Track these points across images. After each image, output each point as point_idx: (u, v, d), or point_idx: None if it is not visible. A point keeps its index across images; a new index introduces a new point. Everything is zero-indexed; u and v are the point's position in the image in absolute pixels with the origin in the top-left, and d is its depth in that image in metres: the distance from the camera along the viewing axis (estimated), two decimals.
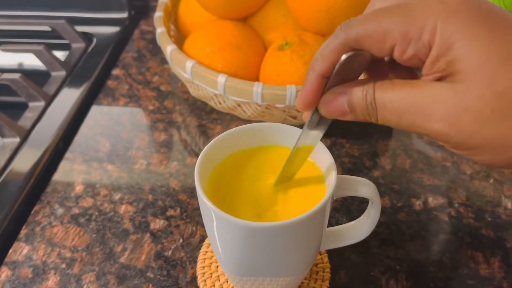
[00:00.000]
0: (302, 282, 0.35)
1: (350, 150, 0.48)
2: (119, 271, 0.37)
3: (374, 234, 0.33)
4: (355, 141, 0.48)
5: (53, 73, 0.57)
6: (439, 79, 0.21)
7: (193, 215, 0.41)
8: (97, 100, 0.54)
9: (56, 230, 0.40)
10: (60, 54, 0.61)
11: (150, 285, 0.36)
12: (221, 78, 0.44)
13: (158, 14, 0.53)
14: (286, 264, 0.30)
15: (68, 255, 0.38)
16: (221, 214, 0.26)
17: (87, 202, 0.42)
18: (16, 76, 0.51)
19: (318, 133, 0.27)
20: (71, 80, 0.56)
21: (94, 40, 0.63)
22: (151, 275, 0.37)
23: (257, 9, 0.51)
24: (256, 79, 0.49)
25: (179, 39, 0.56)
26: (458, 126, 0.20)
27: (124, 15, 0.67)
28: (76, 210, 0.42)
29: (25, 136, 0.48)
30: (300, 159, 0.29)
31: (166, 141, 0.49)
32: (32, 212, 0.41)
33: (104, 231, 0.40)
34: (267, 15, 0.50)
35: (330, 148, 0.30)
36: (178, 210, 0.42)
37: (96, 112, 0.53)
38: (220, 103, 0.47)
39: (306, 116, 0.27)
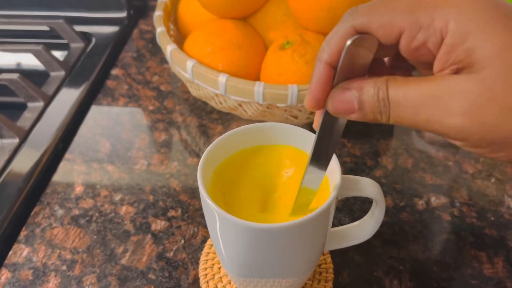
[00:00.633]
0: (306, 283, 0.35)
1: (351, 150, 0.47)
2: (120, 272, 0.37)
3: (377, 234, 0.33)
4: (357, 141, 0.48)
5: (52, 73, 0.56)
6: (456, 72, 0.20)
7: (194, 215, 0.41)
8: (97, 100, 0.54)
9: (56, 232, 0.40)
10: (59, 54, 0.61)
11: (152, 287, 0.36)
12: (222, 78, 0.43)
13: (158, 13, 0.52)
14: (290, 265, 0.29)
15: (69, 256, 0.38)
16: (225, 215, 0.26)
17: (88, 203, 0.42)
18: (15, 76, 0.50)
19: (320, 173, 0.26)
20: (70, 80, 0.56)
21: (93, 40, 0.63)
22: (153, 277, 0.36)
23: (257, 8, 0.50)
24: (257, 78, 0.48)
25: (179, 38, 0.56)
26: (480, 119, 0.19)
27: (123, 14, 0.67)
28: (76, 211, 0.41)
29: (24, 137, 0.47)
30: (305, 200, 0.28)
31: (166, 141, 0.48)
32: (32, 213, 0.41)
33: (105, 233, 0.40)
34: (267, 14, 0.50)
35: None
36: (179, 210, 0.41)
37: (95, 112, 0.52)
38: (221, 103, 0.47)
39: (316, 122, 0.25)
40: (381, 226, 0.32)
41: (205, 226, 0.39)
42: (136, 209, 0.41)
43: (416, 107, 0.21)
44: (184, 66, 0.46)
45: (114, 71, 0.58)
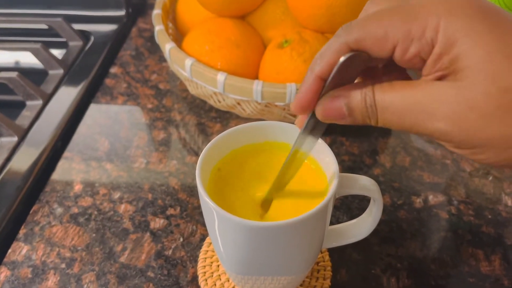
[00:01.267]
0: (304, 281, 0.35)
1: (349, 148, 0.47)
2: (119, 270, 0.37)
3: (374, 232, 0.33)
4: (355, 139, 0.48)
5: (51, 72, 0.56)
6: (440, 78, 0.21)
7: (193, 214, 0.41)
8: (95, 99, 0.54)
9: (55, 230, 0.40)
10: (58, 53, 0.61)
11: (151, 285, 0.36)
12: (221, 76, 0.43)
13: (156, 11, 0.52)
14: (288, 263, 0.30)
15: (68, 255, 0.38)
16: (223, 213, 0.26)
17: (86, 201, 0.42)
18: (13, 74, 0.50)
19: (312, 140, 0.27)
20: (69, 78, 0.56)
21: (92, 38, 0.63)
22: (152, 275, 0.36)
23: (256, 7, 0.50)
24: (256, 77, 0.48)
25: (177, 37, 0.56)
26: (461, 124, 0.20)
27: (122, 13, 0.67)
28: (75, 210, 0.41)
29: (23, 135, 0.47)
30: (294, 166, 0.29)
31: (165, 140, 0.49)
32: (31, 211, 0.41)
33: (104, 231, 0.40)
34: (266, 12, 0.50)
35: (330, 146, 0.30)
36: (178, 209, 0.41)
37: (94, 111, 0.52)
38: (219, 101, 0.47)
39: (300, 122, 0.26)
40: (379, 224, 0.32)
41: (204, 224, 0.40)
42: (135, 207, 0.42)
43: (401, 112, 0.21)
44: (183, 65, 0.46)
45: (113, 70, 0.58)
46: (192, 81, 0.47)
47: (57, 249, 0.38)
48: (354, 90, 0.23)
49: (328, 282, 0.35)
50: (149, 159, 0.46)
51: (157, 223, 0.40)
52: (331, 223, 0.33)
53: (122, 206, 0.42)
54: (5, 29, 0.66)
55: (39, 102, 0.51)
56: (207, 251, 0.37)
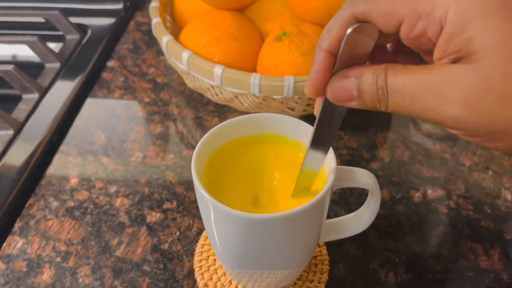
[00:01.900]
0: (301, 275, 0.35)
1: (348, 142, 0.47)
2: (115, 264, 0.36)
3: (372, 226, 0.33)
4: (353, 133, 0.48)
5: (47, 65, 0.56)
6: (455, 61, 0.20)
7: (189, 208, 0.41)
8: (92, 92, 0.53)
9: (51, 224, 0.39)
10: (54, 46, 0.60)
11: (147, 279, 0.35)
12: (218, 69, 0.43)
13: (154, 4, 0.52)
14: (285, 257, 0.29)
15: (63, 248, 0.37)
16: (219, 205, 0.25)
17: (82, 195, 0.42)
18: (10, 67, 0.50)
19: (321, 156, 0.27)
20: (66, 72, 0.55)
21: (89, 32, 0.62)
22: (148, 269, 0.36)
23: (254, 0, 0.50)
24: (253, 70, 0.48)
25: (175, 30, 0.55)
26: (478, 108, 0.19)
27: (119, 6, 0.66)
28: (71, 203, 0.41)
29: (18, 129, 0.47)
30: (306, 183, 0.28)
31: (162, 134, 0.48)
32: (26, 205, 0.41)
33: (100, 224, 0.39)
34: (263, 5, 0.50)
35: None
36: (175, 203, 0.41)
37: (91, 105, 0.52)
38: (216, 95, 0.47)
39: (316, 109, 0.25)
40: (377, 218, 0.32)
41: (200, 219, 0.39)
42: (131, 201, 0.41)
43: (414, 96, 0.21)
44: (180, 57, 0.45)
45: (110, 63, 0.58)
46: (189, 74, 0.47)
47: (53, 243, 0.38)
48: (365, 71, 0.22)
49: (325, 276, 0.35)
50: (146, 153, 0.46)
51: (154, 217, 0.40)
52: (329, 218, 0.33)
53: (119, 200, 0.41)
54: (2, 22, 0.66)
55: (36, 96, 0.51)
56: (204, 245, 0.37)
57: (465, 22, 0.19)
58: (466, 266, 0.36)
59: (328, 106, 0.24)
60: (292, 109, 0.46)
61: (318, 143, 0.26)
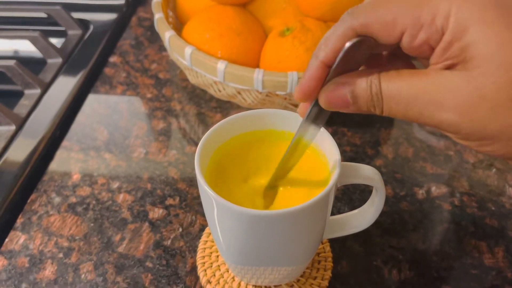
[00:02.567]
0: (304, 272, 0.35)
1: (351, 139, 0.47)
2: (118, 260, 0.36)
3: (376, 223, 0.32)
4: (357, 130, 0.48)
5: (49, 60, 0.55)
6: (449, 67, 0.20)
7: (192, 204, 0.40)
8: (94, 88, 0.53)
9: (53, 219, 0.39)
10: (56, 41, 0.60)
11: (149, 275, 0.35)
12: (221, 65, 0.43)
13: None
14: (288, 254, 0.29)
15: (66, 244, 0.37)
16: (222, 201, 0.25)
17: (85, 191, 0.42)
18: (11, 63, 0.49)
19: (315, 128, 0.26)
20: (68, 67, 0.55)
21: (91, 27, 0.62)
22: (150, 265, 0.36)
23: None
24: (257, 66, 0.48)
25: (178, 26, 0.55)
26: (471, 115, 0.20)
27: (121, 1, 0.66)
28: (73, 199, 0.41)
29: (20, 124, 0.47)
30: (296, 155, 0.28)
31: (164, 130, 0.48)
32: (29, 201, 0.41)
33: (102, 220, 0.39)
34: (267, 0, 0.49)
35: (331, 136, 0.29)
36: (177, 199, 0.41)
37: (93, 100, 0.52)
38: (219, 91, 0.47)
39: (303, 110, 0.25)
40: (381, 215, 0.32)
41: (203, 215, 0.39)
42: (134, 197, 0.41)
43: (408, 101, 0.21)
44: (183, 53, 0.45)
45: (112, 59, 0.57)
46: (192, 70, 0.47)
47: (55, 239, 0.38)
48: (359, 77, 0.22)
49: (329, 273, 0.35)
50: (148, 149, 0.46)
51: (156, 213, 0.40)
52: (333, 214, 0.33)
53: (121, 196, 0.41)
54: (4, 18, 0.65)
55: (37, 91, 0.51)
56: (207, 241, 0.37)
57: (464, 30, 0.19)
58: (470, 263, 0.36)
59: (318, 108, 0.24)
60: (296, 105, 0.45)
61: (315, 118, 0.26)
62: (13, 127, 0.46)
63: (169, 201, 0.41)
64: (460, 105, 0.20)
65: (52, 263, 0.36)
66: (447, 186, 0.42)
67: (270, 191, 0.29)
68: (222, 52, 0.45)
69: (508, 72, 0.19)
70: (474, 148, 0.21)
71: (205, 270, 0.35)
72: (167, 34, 0.47)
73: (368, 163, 0.44)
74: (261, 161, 0.31)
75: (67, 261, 0.36)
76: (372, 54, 0.25)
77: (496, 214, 0.40)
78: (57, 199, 0.41)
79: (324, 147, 0.30)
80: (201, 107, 0.50)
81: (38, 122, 0.47)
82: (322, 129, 0.29)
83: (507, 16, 0.19)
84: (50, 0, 0.65)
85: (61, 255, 0.37)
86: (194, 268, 0.36)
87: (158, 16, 0.49)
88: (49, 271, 0.36)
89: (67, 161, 0.44)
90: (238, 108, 0.50)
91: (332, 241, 0.37)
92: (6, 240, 0.38)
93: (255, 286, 0.34)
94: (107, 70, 0.56)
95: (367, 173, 0.29)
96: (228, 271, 0.35)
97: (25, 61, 0.52)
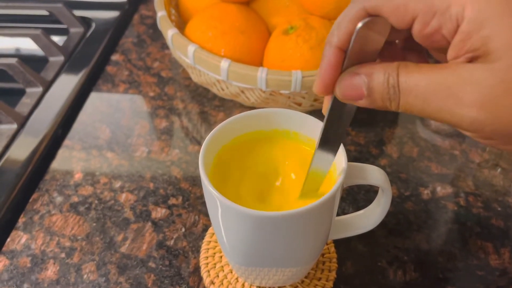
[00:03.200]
0: (309, 273, 0.34)
1: (355, 138, 0.46)
2: (120, 260, 0.36)
3: (381, 224, 0.32)
4: (361, 129, 0.47)
5: (51, 58, 0.55)
6: (471, 61, 0.19)
7: (195, 203, 0.40)
8: (96, 86, 0.53)
9: (55, 219, 0.39)
10: (58, 39, 0.59)
11: (152, 275, 0.35)
12: (224, 63, 0.42)
13: None
14: (293, 255, 0.29)
15: (68, 244, 0.37)
16: (227, 202, 0.25)
17: (87, 190, 0.41)
18: (13, 61, 0.49)
19: (330, 157, 0.26)
20: (70, 65, 0.54)
21: (93, 25, 0.61)
22: (153, 265, 0.36)
23: None
24: (260, 64, 0.47)
25: (180, 24, 0.55)
26: (494, 110, 0.19)
27: None
28: (75, 199, 0.41)
29: (22, 123, 0.46)
30: (314, 184, 0.27)
31: (167, 129, 0.48)
32: (30, 200, 0.40)
33: (104, 220, 0.39)
34: None
35: None
36: (180, 198, 0.41)
37: (95, 99, 0.51)
38: (222, 89, 0.46)
39: (325, 107, 0.25)
40: (386, 215, 0.31)
41: (206, 214, 0.39)
42: (136, 196, 0.41)
43: (427, 96, 0.20)
44: (185, 51, 0.45)
45: (114, 57, 0.57)
46: (195, 68, 0.46)
47: (57, 238, 0.37)
48: (376, 69, 0.21)
49: (333, 274, 0.34)
50: (150, 148, 0.45)
51: (159, 212, 0.39)
52: (337, 215, 0.32)
53: (123, 195, 0.41)
54: (5, 15, 0.65)
55: (39, 89, 0.50)
56: (210, 241, 0.36)
57: (483, 21, 0.19)
58: (476, 264, 0.36)
59: (337, 105, 0.23)
60: (299, 104, 0.45)
61: (327, 143, 0.25)
62: (14, 126, 0.46)
63: (172, 201, 0.40)
64: (483, 100, 0.18)
65: (54, 263, 0.36)
66: (453, 186, 0.42)
67: (277, 192, 0.29)
68: (225, 50, 0.45)
69: None
70: (497, 146, 0.20)
71: (209, 271, 0.35)
72: (169, 32, 0.46)
73: (372, 163, 0.44)
74: (265, 160, 0.31)
75: (69, 261, 0.36)
76: (386, 46, 0.24)
77: (502, 214, 0.39)
78: (59, 199, 0.41)
79: None
80: (204, 106, 0.50)
81: (40, 120, 0.47)
82: None
83: None
84: None
85: (63, 255, 0.36)
86: (197, 269, 0.35)
87: (160, 14, 0.49)
88: (51, 271, 0.35)
89: (69, 160, 0.44)
90: (241, 107, 0.49)
91: (337, 242, 0.37)
92: (8, 240, 0.37)
93: (259, 287, 0.33)
94: (109, 68, 0.55)
95: (373, 174, 0.28)
96: (231, 272, 0.34)
97: (26, 59, 0.51)
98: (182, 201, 0.40)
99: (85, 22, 0.61)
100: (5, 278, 0.35)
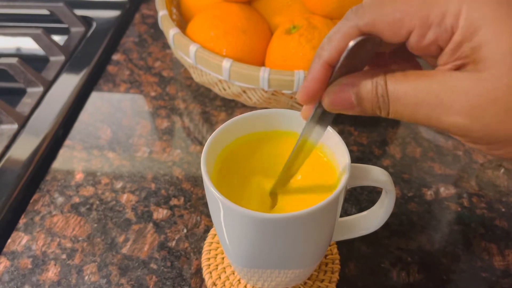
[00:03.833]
0: (312, 274, 0.34)
1: (358, 138, 0.46)
2: (121, 262, 0.36)
3: (384, 225, 0.32)
4: (364, 129, 0.47)
5: (52, 58, 0.55)
6: (459, 68, 0.20)
7: (197, 204, 0.40)
8: (97, 86, 0.53)
9: (56, 220, 0.39)
10: (59, 39, 0.59)
11: (154, 277, 0.35)
12: (226, 63, 0.42)
13: None
14: (296, 257, 0.28)
15: (69, 245, 0.37)
16: (229, 204, 0.25)
17: (88, 190, 0.41)
18: (14, 60, 0.49)
19: (320, 129, 0.25)
20: (71, 65, 0.54)
21: (94, 24, 0.61)
22: (155, 266, 0.35)
23: None
24: (262, 64, 0.47)
25: (182, 23, 0.54)
26: (481, 118, 0.19)
27: None
28: (76, 199, 0.40)
29: (23, 123, 0.46)
30: (301, 157, 0.27)
31: (168, 129, 0.47)
32: (31, 201, 0.40)
33: (106, 221, 0.39)
34: None
35: None
36: (182, 199, 0.40)
37: (96, 98, 0.51)
38: (224, 89, 0.46)
39: (306, 113, 0.25)
40: (389, 216, 0.31)
41: (208, 215, 0.39)
42: (138, 197, 0.41)
43: (416, 104, 0.20)
44: (187, 51, 0.44)
45: (115, 56, 0.57)
46: (197, 68, 0.46)
47: (58, 240, 0.37)
48: (364, 78, 0.21)
49: (336, 275, 0.34)
50: (152, 148, 0.45)
51: (160, 213, 0.39)
52: (340, 216, 0.32)
53: (125, 196, 0.41)
54: (6, 15, 0.65)
55: (40, 89, 0.50)
56: (212, 243, 0.36)
57: (475, 30, 0.19)
58: (480, 266, 0.36)
59: (322, 110, 0.24)
60: (302, 105, 0.45)
61: (319, 120, 0.25)
62: (15, 126, 0.46)
63: (174, 202, 0.40)
64: (470, 108, 0.19)
65: (55, 265, 0.36)
66: (456, 187, 0.41)
67: (276, 194, 0.28)
68: (227, 50, 0.44)
69: None
70: (483, 151, 0.21)
71: (211, 272, 0.34)
72: (171, 32, 0.46)
73: (375, 163, 0.44)
74: (268, 161, 0.30)
75: (71, 263, 0.36)
76: (376, 53, 0.24)
77: (506, 215, 0.39)
78: (60, 199, 0.40)
79: (333, 149, 0.29)
80: (206, 106, 0.50)
81: (40, 120, 0.47)
82: (331, 130, 0.28)
83: None
84: None
85: (64, 256, 0.36)
86: (199, 270, 0.35)
87: (162, 13, 0.49)
88: (52, 272, 0.35)
89: (70, 160, 0.44)
90: (243, 107, 0.49)
91: (340, 243, 0.36)
92: (9, 241, 0.37)
93: None
94: (110, 68, 0.55)
95: (377, 176, 0.28)
96: (233, 273, 0.34)
97: (27, 59, 0.51)
98: (184, 202, 0.40)
99: (86, 21, 0.61)
100: (6, 280, 0.34)
